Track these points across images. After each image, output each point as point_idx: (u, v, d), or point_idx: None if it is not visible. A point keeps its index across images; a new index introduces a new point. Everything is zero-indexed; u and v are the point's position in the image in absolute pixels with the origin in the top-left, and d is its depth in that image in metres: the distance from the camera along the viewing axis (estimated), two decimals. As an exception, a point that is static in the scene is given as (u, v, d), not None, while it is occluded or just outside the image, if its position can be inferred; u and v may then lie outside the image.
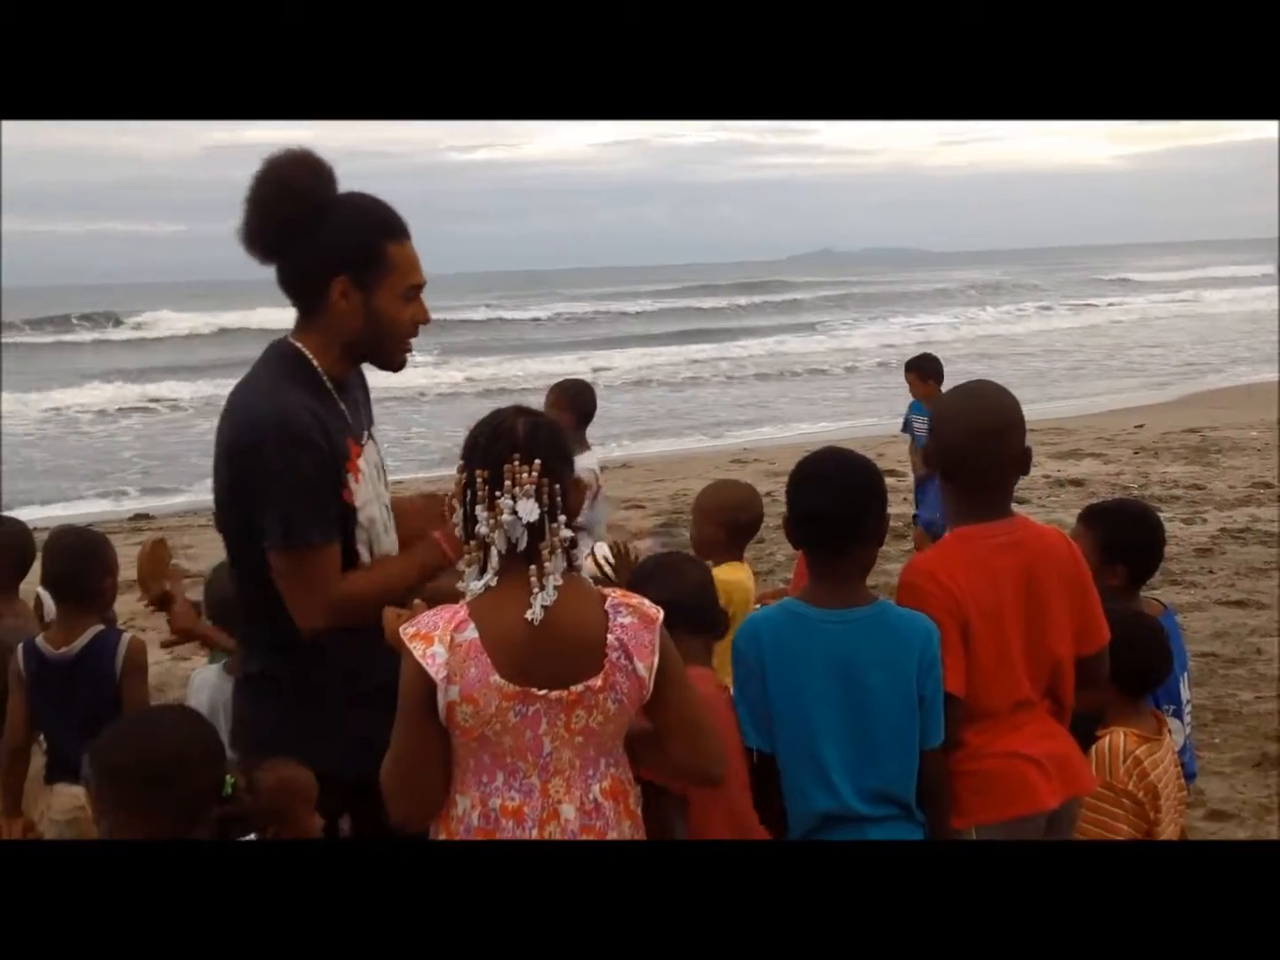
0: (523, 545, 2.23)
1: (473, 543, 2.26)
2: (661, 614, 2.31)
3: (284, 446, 2.55)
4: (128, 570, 7.34)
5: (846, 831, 2.57)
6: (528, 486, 2.21)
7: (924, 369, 7.96)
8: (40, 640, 3.52)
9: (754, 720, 2.65)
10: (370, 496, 2.72)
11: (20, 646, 3.52)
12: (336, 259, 2.64)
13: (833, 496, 2.61)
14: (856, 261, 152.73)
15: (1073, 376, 22.83)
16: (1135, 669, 3.02)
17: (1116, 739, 3.05)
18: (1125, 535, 3.42)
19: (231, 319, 40.01)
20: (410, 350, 2.81)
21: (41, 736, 3.57)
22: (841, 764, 2.58)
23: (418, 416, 18.88)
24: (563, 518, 2.25)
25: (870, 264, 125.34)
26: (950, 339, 31.20)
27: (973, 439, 2.72)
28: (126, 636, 3.57)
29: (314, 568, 2.60)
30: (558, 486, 2.24)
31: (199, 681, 3.19)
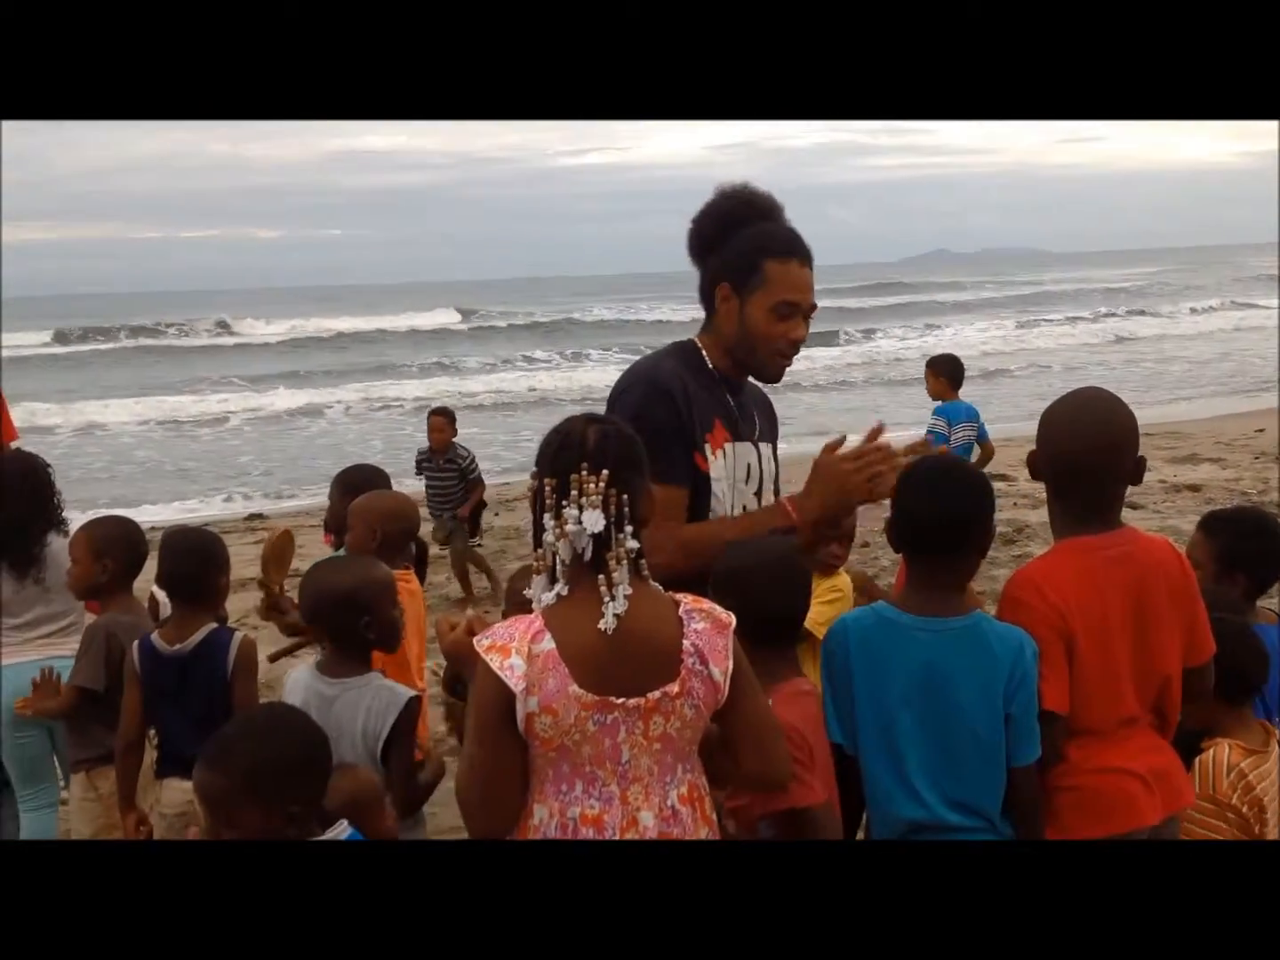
0: (589, 555, 2.22)
1: (540, 551, 2.26)
2: (733, 620, 2.30)
3: (643, 393, 2.90)
4: (243, 570, 7.55)
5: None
6: (594, 497, 2.20)
7: (938, 367, 8.00)
8: (155, 637, 3.60)
9: (841, 722, 2.63)
10: (725, 477, 2.96)
11: (135, 643, 3.61)
12: (724, 268, 2.98)
13: (940, 505, 2.57)
14: (972, 262, 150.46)
15: (1187, 380, 22.26)
16: (1230, 675, 2.92)
17: (1221, 752, 2.97)
18: (1246, 544, 3.32)
19: (343, 324, 40.97)
20: (785, 364, 3.02)
21: (153, 731, 3.66)
22: (925, 773, 2.55)
23: (551, 420, 19.02)
24: (629, 528, 2.24)
25: (987, 265, 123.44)
26: (1073, 343, 30.68)
27: (1086, 452, 2.63)
28: (239, 635, 3.64)
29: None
30: (625, 496, 2.23)
31: (292, 682, 3.24)
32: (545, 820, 2.25)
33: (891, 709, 2.56)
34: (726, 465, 2.97)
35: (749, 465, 3.04)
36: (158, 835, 3.59)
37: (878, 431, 2.90)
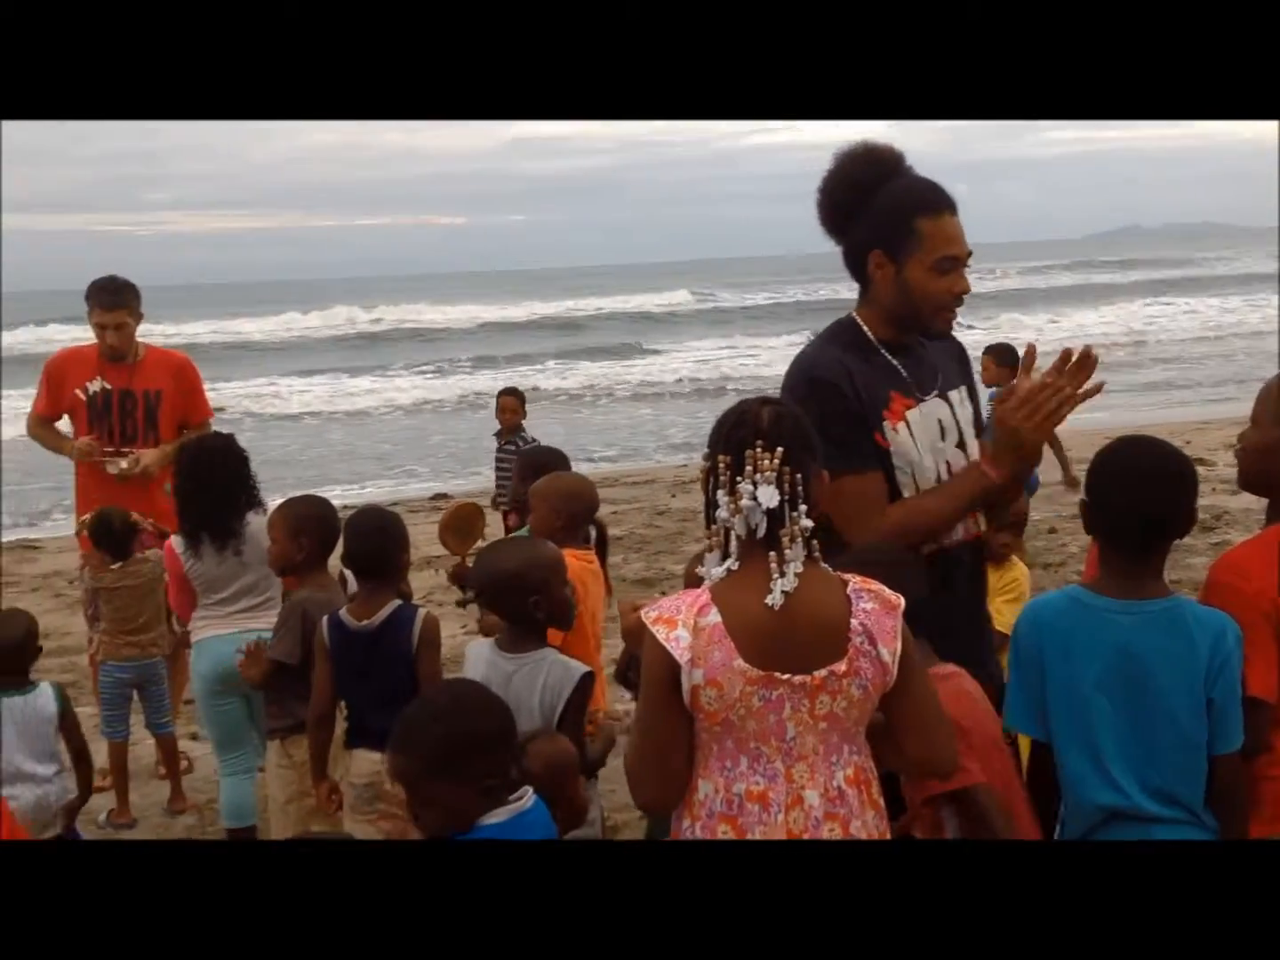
0: (762, 531, 2.22)
1: (714, 527, 2.26)
2: (903, 601, 2.27)
3: (805, 391, 2.87)
4: (428, 548, 7.76)
5: (1131, 830, 2.47)
6: (769, 473, 2.20)
7: (997, 355, 7.83)
8: (343, 613, 3.71)
9: (1030, 709, 2.58)
10: (910, 444, 2.92)
11: (325, 619, 3.73)
12: (873, 235, 2.92)
13: (1144, 493, 2.50)
14: (1159, 238, 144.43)
15: None
16: None
17: None
18: None
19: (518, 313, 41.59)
20: (952, 317, 2.99)
21: (343, 704, 3.79)
22: (1123, 759, 2.49)
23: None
24: (803, 507, 2.23)
25: (1174, 240, 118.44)
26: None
27: None
28: (422, 612, 3.73)
29: (847, 493, 2.81)
30: (799, 475, 2.23)
31: (474, 656, 3.33)
32: (710, 795, 2.25)
33: (1086, 695, 2.50)
34: (915, 433, 2.93)
35: (939, 421, 2.99)
36: (347, 804, 3.70)
37: (1066, 357, 2.77)
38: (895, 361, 2.97)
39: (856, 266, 2.99)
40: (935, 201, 2.90)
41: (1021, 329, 27.74)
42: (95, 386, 5.55)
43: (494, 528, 6.67)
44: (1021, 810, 2.66)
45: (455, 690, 2.74)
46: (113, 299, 5.50)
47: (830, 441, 2.84)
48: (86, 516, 5.34)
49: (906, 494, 2.91)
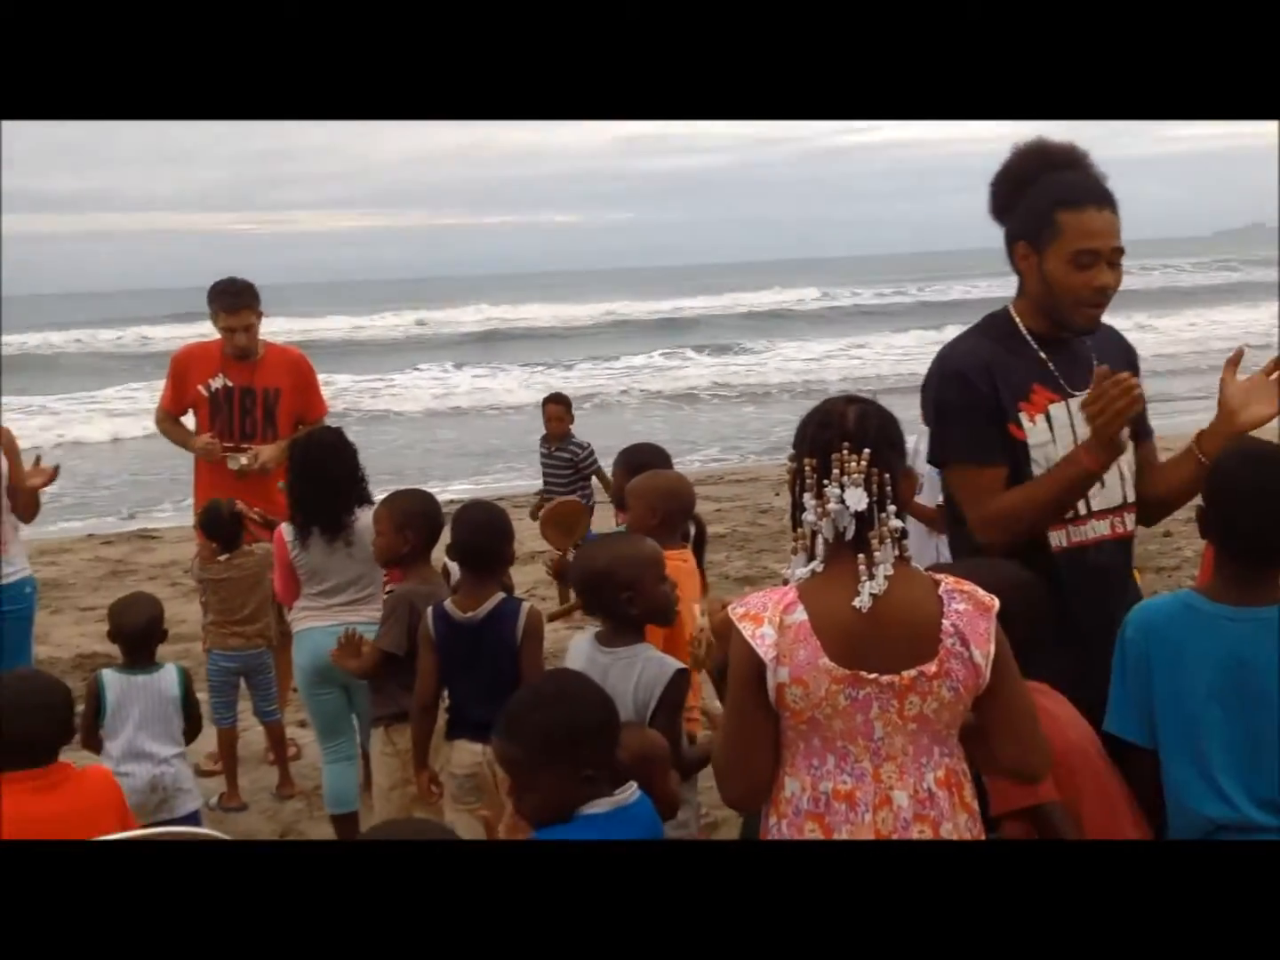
0: (850, 534, 2.20)
1: (800, 530, 2.25)
2: (996, 603, 2.24)
3: (937, 381, 3.01)
4: (532, 543, 7.82)
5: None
6: (856, 476, 2.18)
7: None
8: (448, 604, 3.77)
9: (1136, 714, 2.53)
10: (1051, 440, 2.94)
11: (429, 609, 3.80)
12: (1020, 226, 2.98)
13: (1264, 504, 2.45)
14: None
15: None
16: None
17: None
18: None
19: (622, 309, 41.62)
20: (1094, 313, 2.96)
21: (445, 693, 3.85)
22: (1232, 770, 2.43)
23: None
24: (892, 507, 2.21)
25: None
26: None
27: None
28: (526, 605, 3.78)
29: (963, 483, 2.99)
30: (887, 476, 2.21)
31: (574, 650, 3.37)
32: (797, 793, 2.24)
33: (1196, 703, 2.45)
34: (1055, 428, 2.95)
35: None
36: (449, 794, 3.77)
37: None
38: (1044, 355, 2.99)
39: (1009, 258, 3.03)
40: (1079, 195, 2.90)
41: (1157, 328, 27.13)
42: (217, 383, 5.71)
43: (604, 523, 6.69)
44: (1125, 822, 2.60)
45: (561, 680, 2.78)
46: (237, 301, 5.64)
47: (954, 431, 2.95)
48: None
49: None
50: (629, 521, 4.02)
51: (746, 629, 2.21)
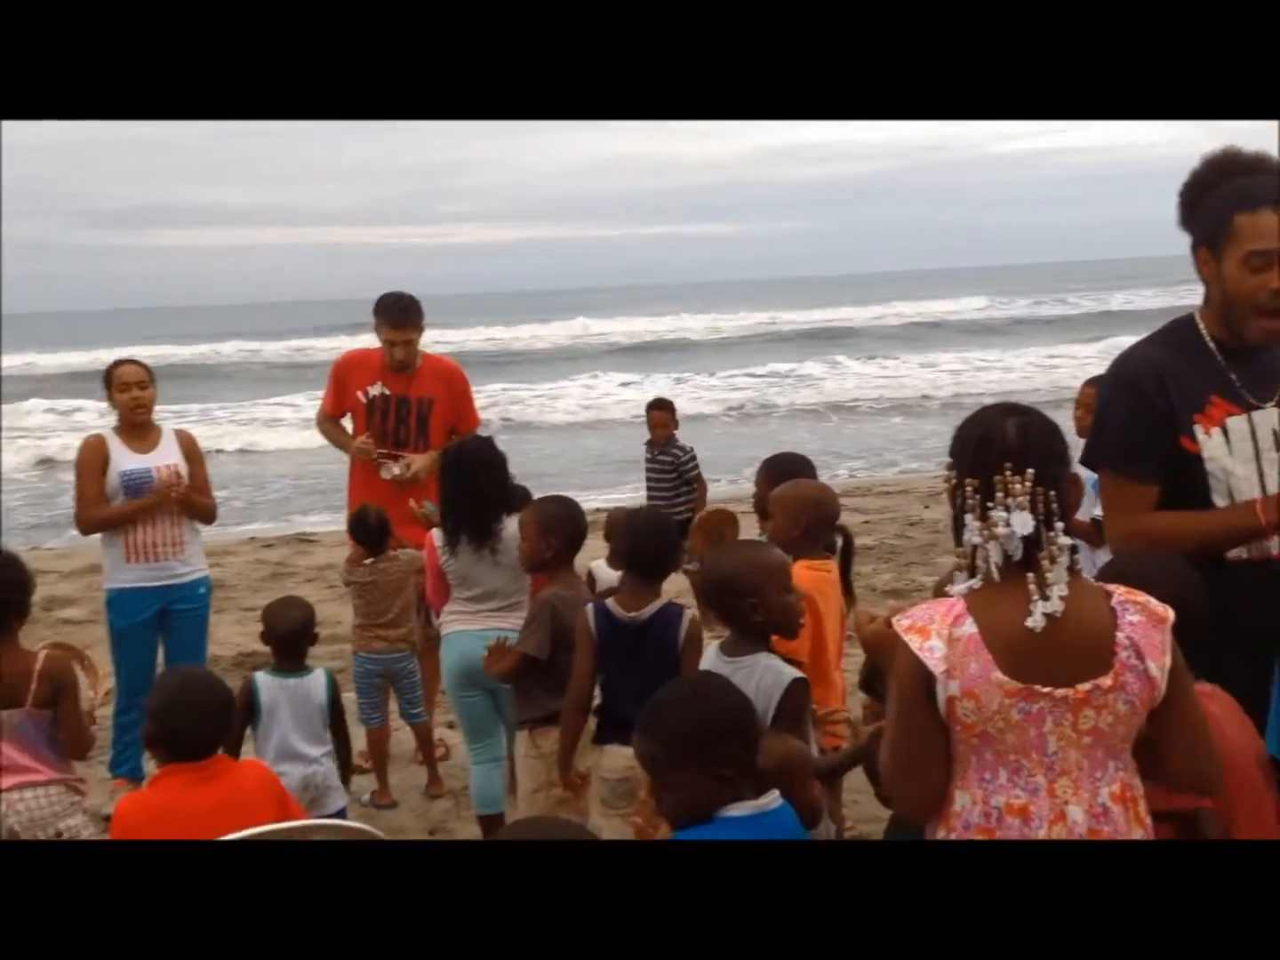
0: (1018, 556, 2.16)
1: (962, 549, 2.22)
2: (1171, 614, 2.18)
3: (1109, 387, 3.01)
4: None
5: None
6: (1021, 499, 2.14)
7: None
8: (611, 603, 3.82)
9: None
10: (1224, 452, 2.86)
11: (591, 606, 3.86)
12: (1200, 231, 2.96)
13: None
14: None
15: None
16: None
17: None
18: None
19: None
20: (1269, 325, 2.87)
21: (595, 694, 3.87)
22: None
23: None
24: (1060, 524, 2.16)
25: None
26: None
27: None
28: (689, 612, 3.82)
29: (1112, 492, 2.97)
30: (1053, 493, 2.15)
31: (702, 661, 3.40)
32: (968, 807, 2.21)
33: None
34: (1233, 441, 2.87)
35: (1275, 432, 2.89)
36: (599, 798, 3.80)
37: None
38: (1227, 364, 2.92)
39: (1195, 265, 2.99)
40: (1257, 197, 2.84)
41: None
42: (375, 390, 5.87)
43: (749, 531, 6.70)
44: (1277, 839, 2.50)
45: (699, 680, 2.82)
46: (402, 317, 5.80)
47: (1112, 439, 2.93)
48: None
49: (1220, 502, 2.86)
50: (771, 531, 4.01)
51: (914, 641, 2.17)
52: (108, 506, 5.35)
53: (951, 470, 2.25)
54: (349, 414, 6.02)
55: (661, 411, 7.80)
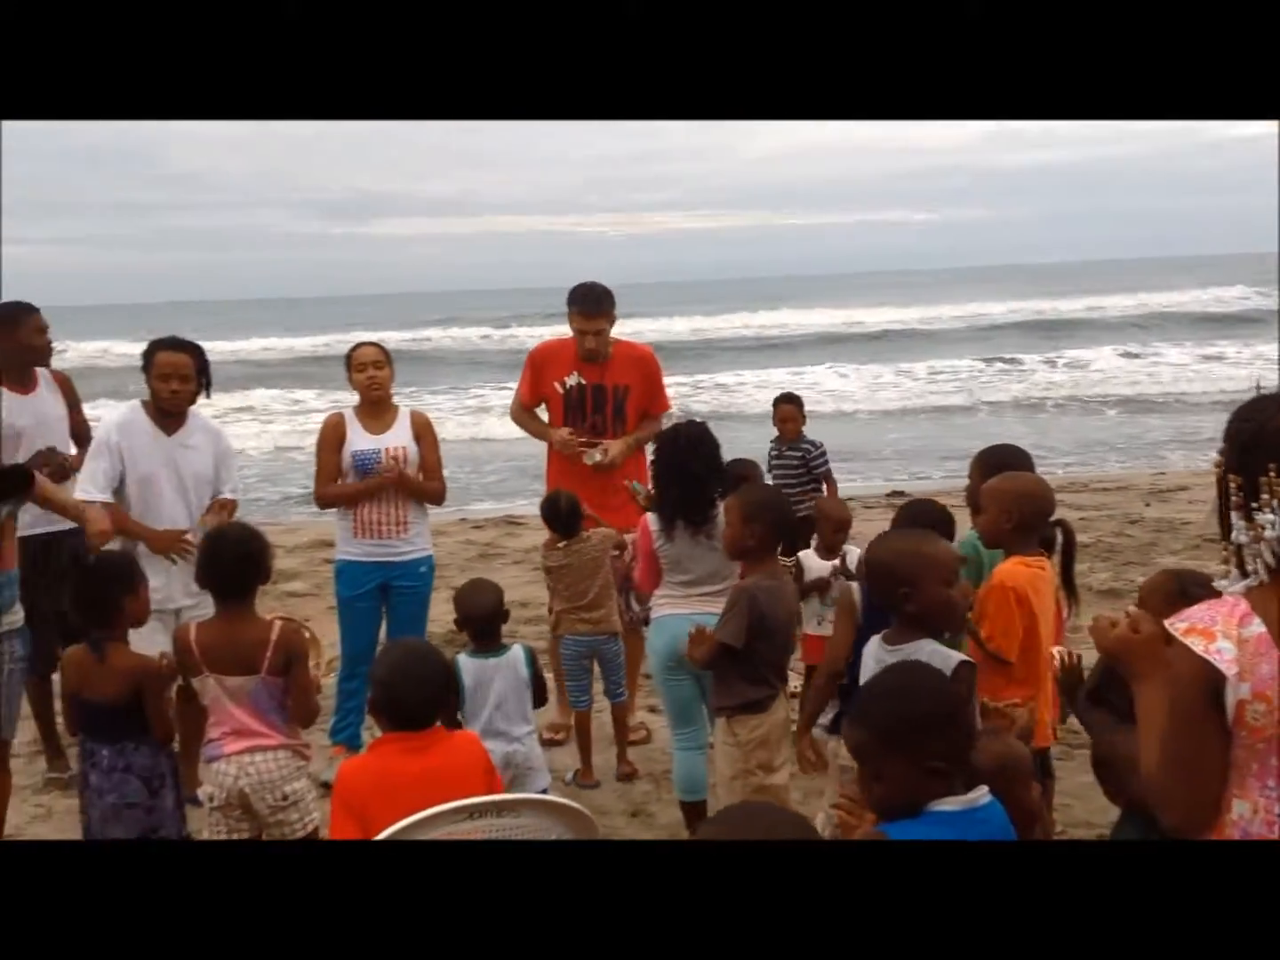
0: None
1: (1228, 546, 2.13)
2: None
3: None
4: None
5: None
6: None
7: None
8: None
9: None
10: None
11: (854, 585, 3.91)
12: None
13: None
14: None
15: None
16: None
17: None
18: None
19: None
20: None
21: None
22: None
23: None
24: None
25: None
26: None
27: None
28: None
29: None
30: None
31: (865, 652, 3.40)
32: (1246, 815, 2.11)
33: None
34: None
35: None
36: (836, 785, 3.82)
37: None
38: None
39: None
40: None
41: None
42: (571, 380, 5.98)
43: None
44: None
45: (908, 670, 2.80)
46: (594, 307, 5.88)
47: None
48: None
49: None
50: (982, 524, 3.93)
51: (1197, 644, 2.09)
52: (340, 484, 5.58)
53: (1221, 458, 2.17)
54: (544, 403, 6.13)
55: (790, 406, 7.66)
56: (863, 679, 3.30)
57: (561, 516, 5.49)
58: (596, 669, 5.66)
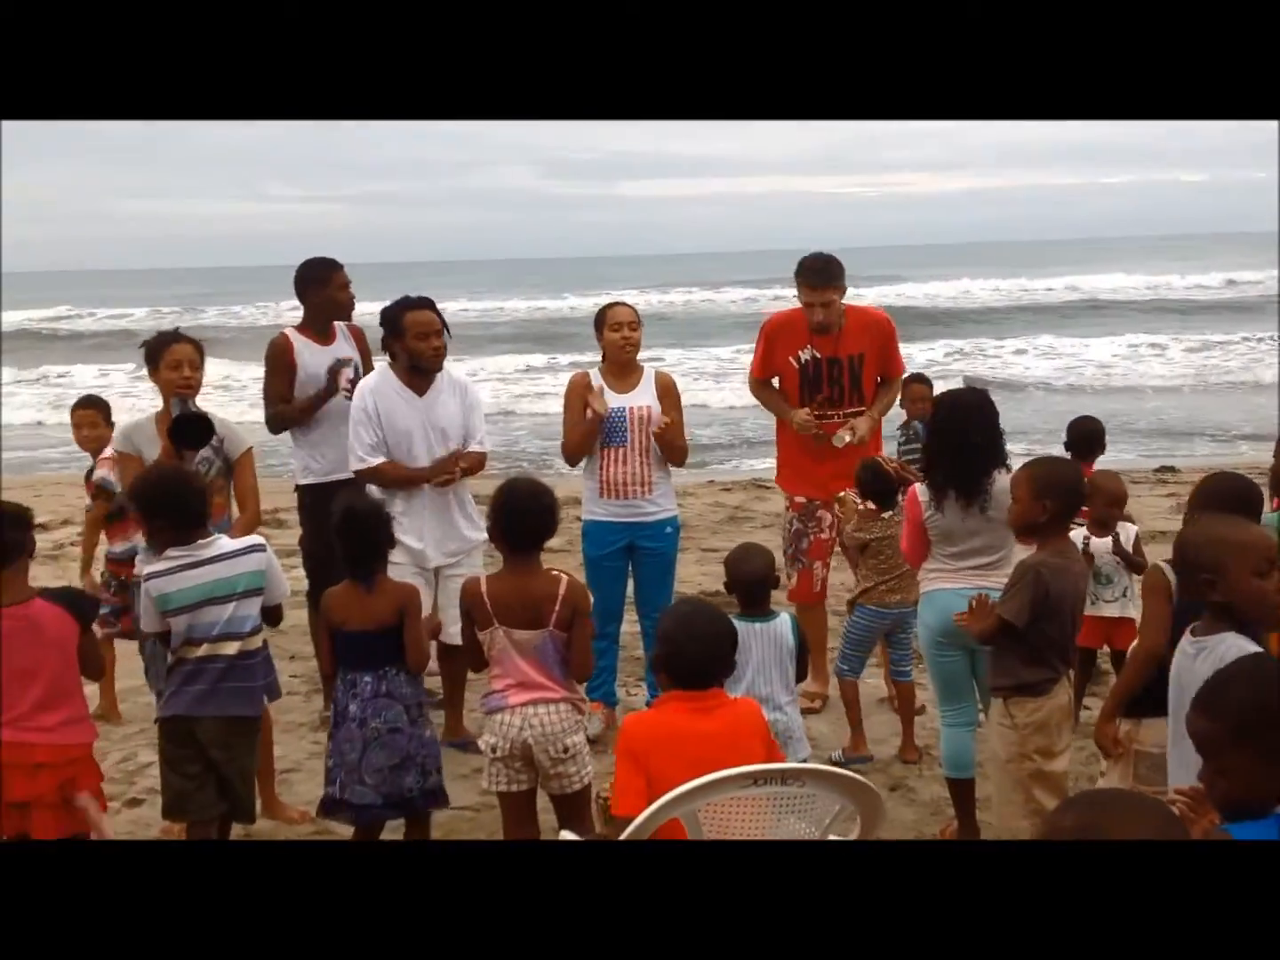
0: None
1: None
2: None
3: None
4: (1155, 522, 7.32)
5: None
6: None
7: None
8: None
9: None
10: None
11: (1163, 561, 3.72)
12: None
13: None
14: None
15: None
16: None
17: None
18: None
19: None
20: None
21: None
22: None
23: None
24: None
25: None
26: None
27: None
28: None
29: None
30: None
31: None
32: None
33: None
34: None
35: None
36: (1137, 773, 3.71)
37: None
38: None
39: None
40: None
41: None
42: (806, 354, 5.89)
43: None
44: None
45: (1260, 659, 2.67)
46: (820, 279, 5.77)
47: None
48: None
49: None
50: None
51: None
52: (581, 441, 5.68)
53: None
54: (777, 376, 6.05)
55: (922, 385, 7.32)
56: (1171, 674, 3.15)
57: (879, 484, 5.36)
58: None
